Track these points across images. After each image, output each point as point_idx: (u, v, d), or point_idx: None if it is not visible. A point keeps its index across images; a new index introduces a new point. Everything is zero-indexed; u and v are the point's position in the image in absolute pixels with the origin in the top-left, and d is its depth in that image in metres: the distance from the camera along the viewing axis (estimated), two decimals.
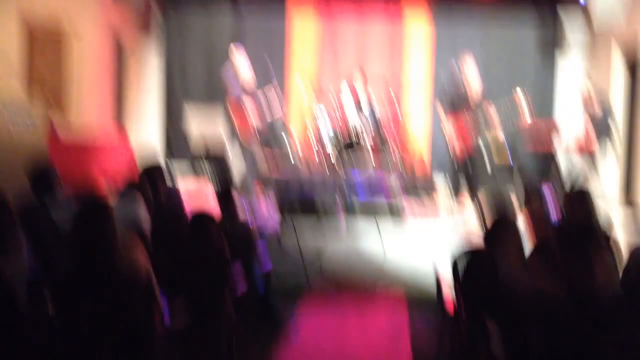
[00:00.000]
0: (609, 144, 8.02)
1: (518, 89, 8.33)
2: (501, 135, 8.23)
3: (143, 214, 4.31)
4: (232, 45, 9.20)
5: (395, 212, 6.99)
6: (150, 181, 4.45)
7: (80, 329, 2.95)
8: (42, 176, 4.63)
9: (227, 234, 4.45)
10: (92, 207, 3.13)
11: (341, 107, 9.57)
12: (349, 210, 7.02)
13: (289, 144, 9.70)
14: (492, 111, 8.43)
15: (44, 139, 6.72)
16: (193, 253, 3.92)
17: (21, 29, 8.24)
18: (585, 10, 8.51)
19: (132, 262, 3.14)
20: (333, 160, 9.07)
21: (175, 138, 10.65)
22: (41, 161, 5.05)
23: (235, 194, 4.87)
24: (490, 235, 4.00)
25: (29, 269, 3.52)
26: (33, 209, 4.49)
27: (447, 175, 8.37)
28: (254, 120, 8.35)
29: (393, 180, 7.09)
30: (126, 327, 3.01)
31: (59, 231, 4.09)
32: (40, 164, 4.79)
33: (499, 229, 3.95)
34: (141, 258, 3.21)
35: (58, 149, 7.53)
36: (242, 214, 4.87)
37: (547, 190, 4.24)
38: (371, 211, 7.00)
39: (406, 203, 7.31)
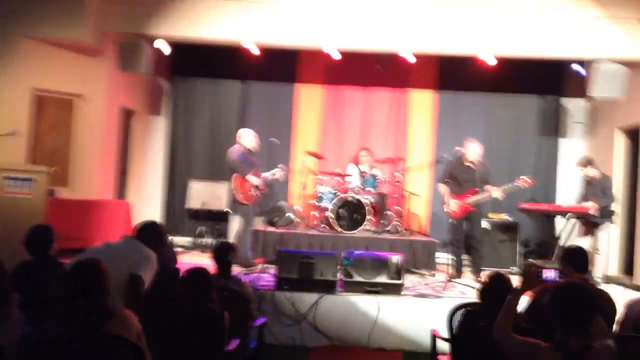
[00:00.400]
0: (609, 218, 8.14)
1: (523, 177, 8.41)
2: (500, 194, 8.24)
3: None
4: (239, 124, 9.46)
5: (393, 288, 6.99)
6: (146, 236, 4.45)
7: None
8: (37, 235, 4.66)
9: (221, 289, 4.44)
10: (83, 266, 3.15)
11: (343, 175, 9.71)
12: (346, 273, 6.99)
13: (290, 208, 9.76)
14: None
15: (44, 203, 6.78)
16: (186, 306, 3.91)
17: (29, 96, 8.46)
18: (585, 90, 8.70)
19: (123, 320, 3.12)
20: (331, 219, 9.05)
21: (176, 214, 10.72)
22: (38, 222, 5.11)
23: (230, 251, 4.86)
24: (486, 290, 4.03)
25: (21, 331, 3.52)
26: (27, 268, 4.51)
27: (448, 246, 8.31)
28: (256, 192, 8.35)
29: (395, 259, 7.08)
30: None
31: (52, 288, 4.10)
32: (36, 225, 4.83)
33: (494, 284, 3.97)
34: (132, 316, 3.20)
35: (57, 209, 7.61)
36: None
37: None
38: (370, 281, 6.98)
39: (406, 280, 7.29)
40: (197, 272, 4.00)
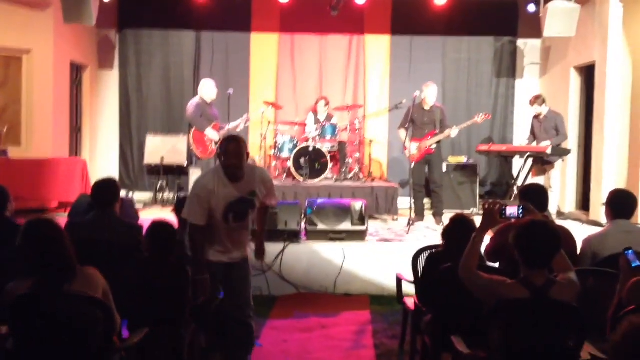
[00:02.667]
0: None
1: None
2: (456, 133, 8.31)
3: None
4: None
5: (357, 234, 7.03)
6: (103, 193, 4.35)
7: (36, 346, 2.89)
8: None
9: (183, 242, 4.40)
10: (41, 225, 3.07)
11: (302, 124, 9.64)
12: (310, 222, 7.00)
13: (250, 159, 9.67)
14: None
15: None
16: (151, 261, 3.87)
17: None
18: (539, 30, 8.73)
19: (89, 277, 3.08)
20: (292, 169, 9.03)
21: (134, 169, 10.55)
22: None
23: None
24: (449, 231, 4.07)
25: None
26: None
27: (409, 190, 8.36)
28: (214, 145, 8.23)
29: (358, 205, 7.10)
30: (83, 341, 2.94)
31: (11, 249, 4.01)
32: None
33: (458, 225, 4.02)
34: (96, 273, 3.15)
35: (11, 169, 7.41)
36: None
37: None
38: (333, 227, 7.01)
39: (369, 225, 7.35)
40: (160, 226, 3.95)
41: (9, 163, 7.68)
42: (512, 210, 3.20)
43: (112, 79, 10.58)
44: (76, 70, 9.86)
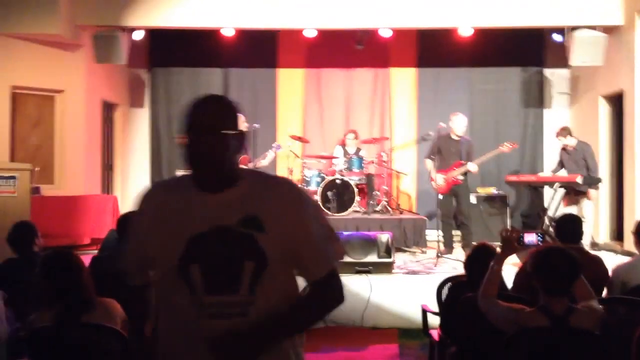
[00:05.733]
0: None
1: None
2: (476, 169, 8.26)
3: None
4: None
5: (384, 267, 6.98)
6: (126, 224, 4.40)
7: None
8: (19, 232, 4.62)
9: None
10: (58, 256, 3.13)
11: (329, 157, 9.70)
12: None
13: None
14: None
15: (28, 201, 6.70)
16: None
17: (8, 94, 8.39)
18: (566, 59, 8.71)
19: (108, 308, 3.11)
20: (320, 203, 9.04)
21: None
22: (22, 219, 5.06)
23: None
24: (471, 261, 4.03)
25: (10, 327, 3.50)
26: (12, 266, 4.47)
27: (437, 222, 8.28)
28: None
29: (385, 237, 7.06)
30: None
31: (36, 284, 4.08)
32: (18, 222, 4.78)
33: (479, 254, 3.97)
34: (116, 305, 3.18)
35: (43, 207, 7.56)
36: None
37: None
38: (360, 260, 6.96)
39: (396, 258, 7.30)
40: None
41: (41, 201, 7.83)
42: (530, 238, 3.15)
43: (143, 116, 10.80)
44: (108, 109, 10.09)
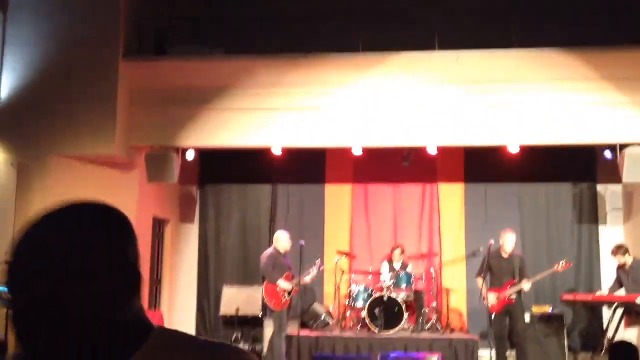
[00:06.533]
0: None
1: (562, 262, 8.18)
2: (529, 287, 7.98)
3: None
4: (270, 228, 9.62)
5: None
6: None
7: None
8: None
9: None
10: None
11: (376, 273, 9.56)
12: None
13: (324, 310, 9.59)
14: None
15: None
16: None
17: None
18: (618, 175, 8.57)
19: None
20: (367, 320, 8.81)
21: (210, 321, 10.64)
22: None
23: None
24: None
25: None
26: None
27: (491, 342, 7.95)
28: (289, 297, 8.24)
29: (434, 359, 6.82)
30: None
31: None
32: None
33: None
34: None
35: None
36: None
37: None
38: None
39: None
40: None
41: None
42: None
43: (192, 232, 10.95)
44: (159, 224, 10.28)
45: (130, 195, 9.12)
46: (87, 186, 8.85)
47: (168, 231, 10.57)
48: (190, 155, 9.28)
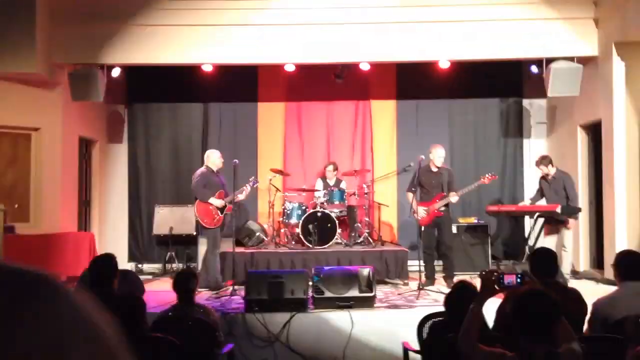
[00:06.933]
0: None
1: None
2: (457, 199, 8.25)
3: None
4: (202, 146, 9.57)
5: (365, 301, 6.89)
6: (101, 270, 4.33)
7: None
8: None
9: (184, 318, 4.33)
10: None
11: (310, 190, 9.67)
12: (317, 289, 6.89)
13: (259, 227, 9.68)
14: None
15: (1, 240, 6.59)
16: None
17: None
18: (544, 90, 8.80)
19: None
20: (301, 236, 8.96)
21: (144, 241, 10.57)
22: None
23: (190, 278, 4.74)
24: (451, 299, 3.98)
25: None
26: None
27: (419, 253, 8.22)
28: (222, 214, 8.20)
29: (366, 271, 7.00)
30: None
31: None
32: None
33: (459, 293, 3.93)
34: None
35: (17, 246, 7.43)
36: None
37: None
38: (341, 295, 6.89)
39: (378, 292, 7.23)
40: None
41: (16, 239, 7.70)
42: (510, 279, 3.12)
43: (121, 152, 10.71)
44: (85, 145, 10.00)
45: (54, 115, 8.81)
46: (9, 105, 8.48)
47: (96, 151, 10.30)
48: (116, 73, 8.98)
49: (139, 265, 10.25)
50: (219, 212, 8.17)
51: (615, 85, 8.35)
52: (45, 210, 8.75)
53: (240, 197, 8.48)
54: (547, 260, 4.35)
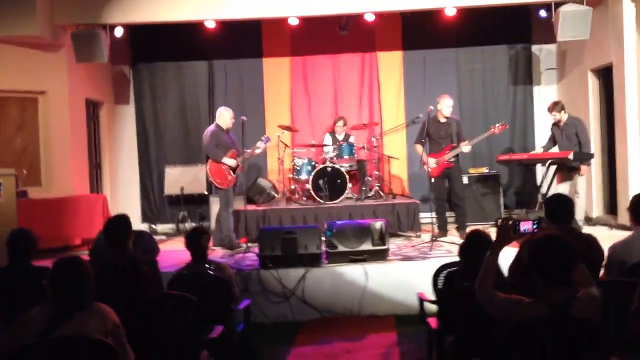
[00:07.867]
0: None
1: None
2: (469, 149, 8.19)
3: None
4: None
5: (379, 254, 6.92)
6: (115, 231, 4.35)
7: None
8: (16, 240, 4.52)
9: (199, 275, 4.36)
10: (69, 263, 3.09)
11: (319, 145, 9.63)
12: (330, 244, 6.91)
13: (269, 184, 9.68)
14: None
15: (14, 205, 6.61)
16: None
17: None
18: (553, 35, 8.61)
19: (101, 313, 3.07)
20: (311, 191, 8.95)
21: (156, 202, 10.60)
22: (12, 226, 4.96)
23: (202, 235, 4.75)
24: (465, 248, 3.98)
25: None
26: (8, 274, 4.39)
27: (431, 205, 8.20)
28: (234, 174, 8.14)
29: (378, 225, 7.00)
30: None
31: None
32: (15, 230, 4.69)
33: (473, 242, 3.92)
34: (109, 310, 3.12)
35: (31, 210, 7.47)
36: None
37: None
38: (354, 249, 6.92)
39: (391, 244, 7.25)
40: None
41: (29, 204, 7.74)
42: (526, 226, 3.10)
43: (128, 113, 10.67)
44: (92, 107, 9.96)
45: (60, 77, 8.77)
46: (15, 69, 8.45)
47: (103, 113, 10.26)
48: (119, 32, 8.87)
49: (153, 226, 10.31)
50: (231, 172, 8.13)
51: (625, 28, 8.20)
52: (57, 174, 8.77)
53: (256, 152, 8.41)
54: (563, 206, 4.31)
